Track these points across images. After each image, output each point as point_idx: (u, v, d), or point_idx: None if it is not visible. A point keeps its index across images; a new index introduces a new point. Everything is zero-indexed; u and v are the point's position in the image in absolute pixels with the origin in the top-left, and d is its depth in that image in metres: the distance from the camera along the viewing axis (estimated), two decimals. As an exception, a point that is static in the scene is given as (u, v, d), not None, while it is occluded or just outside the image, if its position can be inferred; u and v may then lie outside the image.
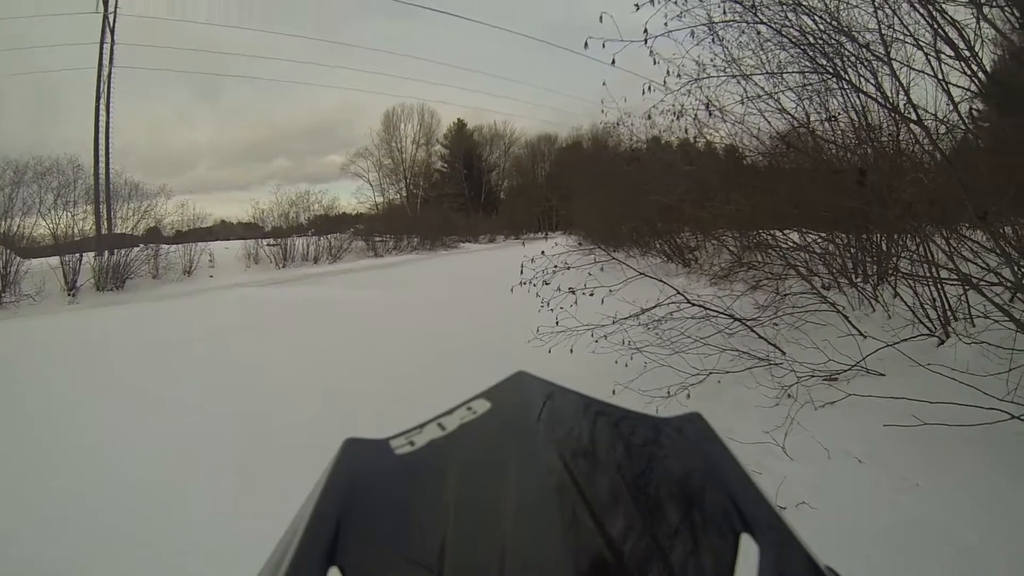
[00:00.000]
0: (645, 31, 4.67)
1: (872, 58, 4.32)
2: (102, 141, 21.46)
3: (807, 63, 4.86)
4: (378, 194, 41.50)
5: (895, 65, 4.19)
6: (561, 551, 0.35)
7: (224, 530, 3.24)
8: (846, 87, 4.90)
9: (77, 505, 3.77)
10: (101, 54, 21.80)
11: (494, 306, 9.47)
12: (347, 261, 25.42)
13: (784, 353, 4.48)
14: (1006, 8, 3.68)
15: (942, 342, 3.99)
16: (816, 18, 4.47)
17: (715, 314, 4.98)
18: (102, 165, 21.03)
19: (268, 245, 24.23)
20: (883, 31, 4.18)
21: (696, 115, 5.85)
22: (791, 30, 4.65)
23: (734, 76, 5.30)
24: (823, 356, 4.13)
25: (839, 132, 5.33)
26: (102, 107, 21.73)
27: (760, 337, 4.76)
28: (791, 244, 5.84)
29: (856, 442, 3.35)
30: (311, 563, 0.36)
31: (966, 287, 3.73)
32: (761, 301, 5.48)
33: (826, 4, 4.46)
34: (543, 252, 5.52)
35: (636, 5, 4.64)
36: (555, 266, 5.48)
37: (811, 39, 4.58)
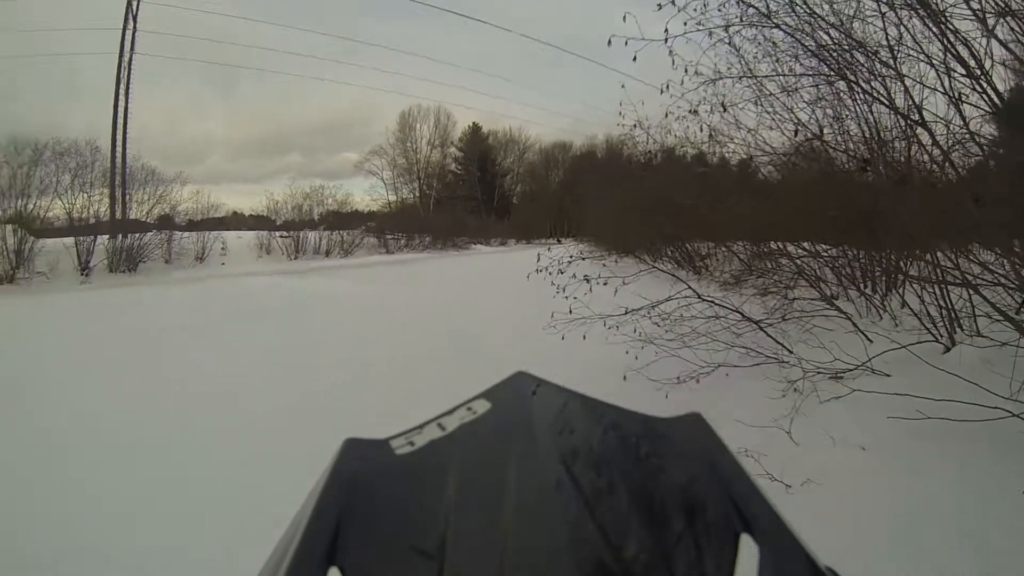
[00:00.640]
0: (666, 30, 4.83)
1: (886, 73, 4.44)
2: (120, 126, 21.70)
3: (821, 73, 5.00)
4: (391, 192, 41.71)
5: (907, 82, 4.30)
6: (561, 551, 0.35)
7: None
8: (859, 98, 5.04)
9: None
10: (123, 39, 22.11)
11: (507, 300, 9.60)
12: (358, 256, 25.48)
13: (791, 352, 4.59)
14: (1014, 25, 3.76)
15: (948, 349, 4.09)
16: (830, 31, 4.61)
17: (724, 312, 5.11)
18: (119, 149, 21.25)
19: (281, 237, 24.32)
20: (894, 46, 4.30)
21: (710, 121, 6.03)
22: (806, 37, 4.78)
23: (749, 78, 5.46)
24: (830, 356, 4.23)
25: (851, 144, 5.47)
26: (121, 92, 21.99)
27: (768, 336, 4.88)
28: (801, 252, 5.97)
29: (860, 432, 3.46)
30: (311, 563, 0.36)
31: (971, 292, 3.84)
32: (770, 305, 5.61)
33: (839, 18, 4.60)
34: (544, 252, 5.72)
35: (659, 4, 4.79)
36: (571, 256, 5.64)
37: (825, 51, 4.71)
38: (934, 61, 4.00)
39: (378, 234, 29.07)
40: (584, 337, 4.98)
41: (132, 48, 22.14)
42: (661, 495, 0.42)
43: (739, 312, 5.07)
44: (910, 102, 4.27)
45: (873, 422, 3.50)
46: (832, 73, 4.85)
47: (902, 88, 4.32)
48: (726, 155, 7.24)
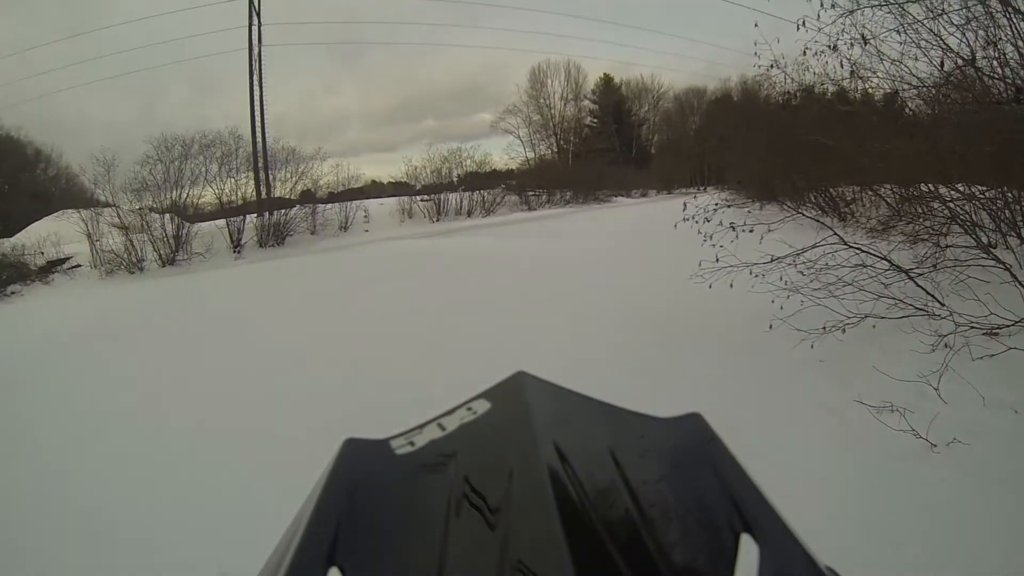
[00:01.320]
0: None
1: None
2: (257, 113, 23.06)
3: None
4: (529, 150, 41.56)
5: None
6: (561, 551, 0.34)
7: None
8: (1015, 16, 4.70)
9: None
10: (250, 35, 23.35)
11: (654, 250, 9.69)
12: (500, 215, 25.76)
13: (943, 304, 4.56)
14: None
15: (1116, 309, 3.95)
16: None
17: (872, 260, 5.07)
18: (259, 135, 22.66)
19: (422, 200, 24.82)
20: None
21: (851, 55, 5.79)
22: None
23: (890, 4, 5.19)
24: (985, 310, 4.18)
25: (1008, 70, 5.10)
26: (255, 83, 23.34)
27: (918, 286, 4.84)
28: (955, 194, 5.73)
29: (1013, 393, 3.48)
30: (311, 563, 0.37)
31: None
32: (920, 254, 5.49)
33: None
34: (689, 201, 5.84)
35: None
36: (715, 204, 5.76)
37: None
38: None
39: (518, 191, 29.09)
40: (731, 285, 5.17)
41: (260, 41, 23.41)
42: (661, 495, 0.43)
43: (887, 260, 5.02)
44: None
45: (1028, 384, 3.49)
46: None
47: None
48: (869, 91, 6.95)
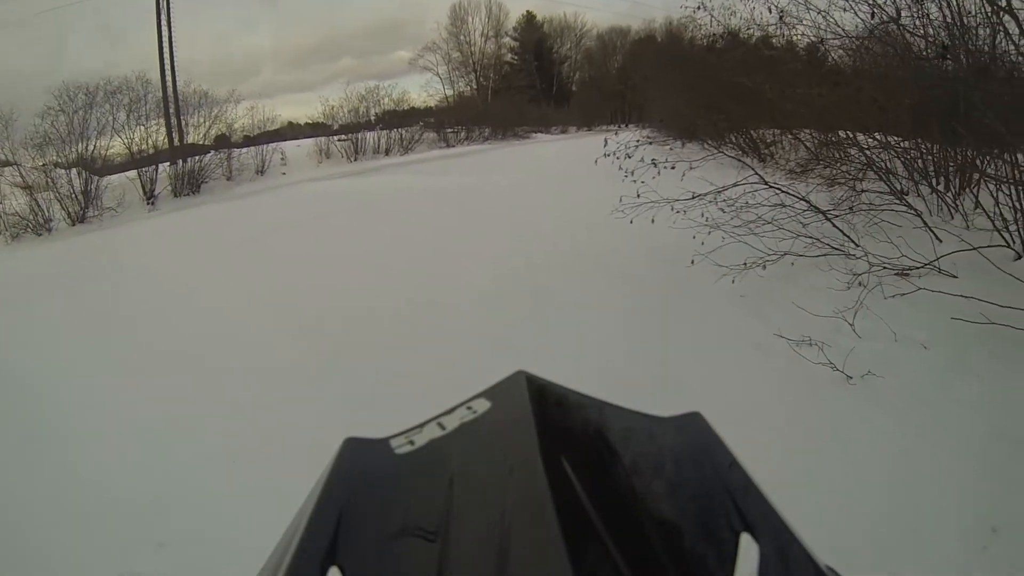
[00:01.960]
0: None
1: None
2: (167, 56, 21.24)
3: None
4: (448, 87, 40.42)
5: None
6: (561, 551, 0.34)
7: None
8: None
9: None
10: None
11: (574, 186, 9.57)
12: (418, 152, 25.01)
13: (858, 245, 4.63)
14: None
15: (1019, 256, 4.10)
16: None
17: (791, 200, 5.10)
18: (168, 78, 20.88)
19: (339, 140, 23.85)
20: None
21: (779, 1, 5.78)
22: None
23: None
24: (897, 252, 4.28)
25: (930, 29, 5.22)
26: (163, 24, 21.39)
27: (835, 227, 4.90)
28: (872, 142, 5.85)
29: (923, 331, 3.59)
30: (311, 563, 0.37)
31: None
32: (837, 196, 5.58)
33: None
34: (610, 138, 5.72)
35: None
36: (637, 141, 5.64)
37: None
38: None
39: (437, 129, 28.37)
40: (652, 221, 5.07)
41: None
42: (661, 494, 0.42)
43: (806, 201, 5.06)
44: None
45: (936, 321, 3.61)
46: None
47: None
48: (794, 39, 6.99)
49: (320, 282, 5.92)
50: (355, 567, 0.38)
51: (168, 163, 17.95)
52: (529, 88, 39.13)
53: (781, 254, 4.61)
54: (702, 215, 5.08)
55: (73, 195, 14.47)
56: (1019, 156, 4.07)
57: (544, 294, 5.08)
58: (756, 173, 5.30)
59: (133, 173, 16.67)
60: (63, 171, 14.89)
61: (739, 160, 5.83)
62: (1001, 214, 4.26)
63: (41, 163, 15.19)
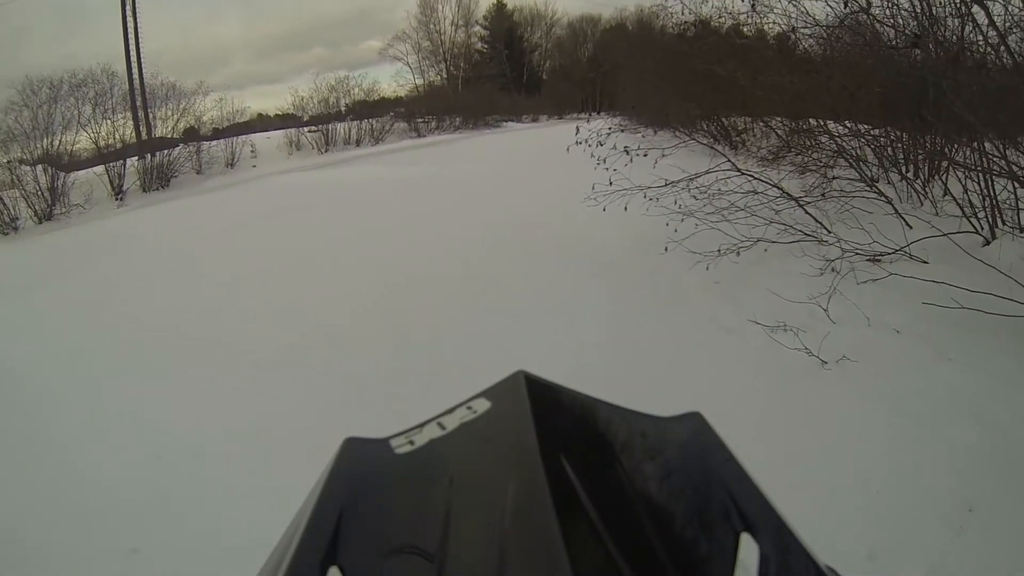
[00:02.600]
0: None
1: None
2: (133, 46, 20.79)
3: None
4: (418, 76, 40.09)
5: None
6: (561, 551, 0.34)
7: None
8: None
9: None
10: None
11: (544, 174, 9.49)
12: (389, 143, 24.79)
13: (830, 231, 4.65)
14: None
15: (987, 242, 4.15)
16: None
17: (763, 187, 5.11)
18: (135, 70, 20.45)
19: (309, 131, 23.56)
20: None
21: None
22: None
23: None
24: (868, 238, 4.31)
25: (900, 18, 5.24)
26: (129, 14, 20.88)
27: (807, 213, 4.92)
28: (843, 130, 5.89)
29: (895, 315, 3.61)
30: (311, 563, 0.37)
31: (1017, 184, 3.84)
32: (809, 183, 5.61)
33: None
34: (582, 125, 5.69)
35: None
36: (608, 129, 5.62)
37: None
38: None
39: (407, 119, 28.19)
40: (626, 208, 5.04)
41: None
42: (661, 494, 0.43)
43: (778, 188, 5.07)
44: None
45: (908, 306, 3.64)
46: None
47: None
48: (765, 27, 7.02)
49: (296, 285, 5.65)
50: (355, 567, 0.37)
51: (136, 157, 17.52)
52: (500, 77, 39.14)
53: (754, 241, 4.60)
54: (675, 202, 5.06)
55: (39, 192, 14.07)
56: (987, 144, 4.10)
57: (515, 284, 4.99)
58: (728, 160, 5.30)
59: (101, 168, 16.20)
60: (28, 168, 14.47)
61: (711, 147, 5.82)
62: (970, 201, 4.31)
63: (6, 160, 14.77)
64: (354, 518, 0.41)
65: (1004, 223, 4.23)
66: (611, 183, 5.11)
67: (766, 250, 4.61)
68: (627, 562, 0.35)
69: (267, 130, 26.03)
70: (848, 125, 5.90)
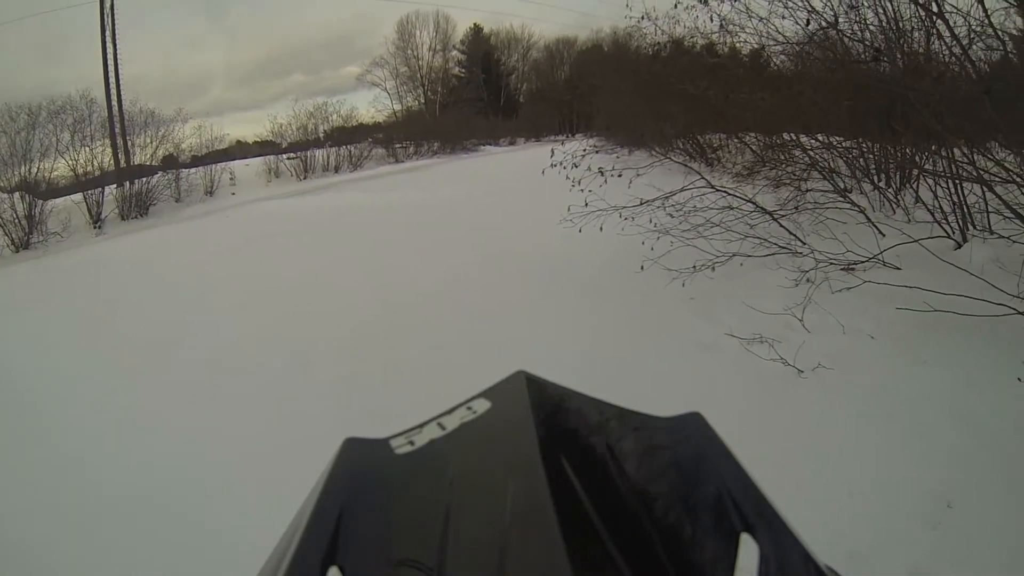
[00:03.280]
0: None
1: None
2: (112, 73, 20.98)
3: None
4: (396, 102, 40.45)
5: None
6: (561, 551, 0.34)
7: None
8: None
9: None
10: None
11: (522, 197, 9.54)
12: (368, 168, 24.98)
13: (804, 243, 4.68)
14: None
15: (959, 246, 4.20)
16: None
17: (738, 203, 5.14)
18: (114, 97, 20.64)
19: (288, 158, 23.68)
20: None
21: (720, 10, 5.90)
22: None
23: None
24: (842, 248, 4.36)
25: (867, 33, 5.36)
26: (108, 40, 21.16)
27: (782, 227, 4.95)
28: (815, 143, 5.96)
29: (869, 322, 3.64)
30: (311, 563, 0.37)
31: (985, 189, 3.88)
32: (783, 197, 5.65)
33: None
34: (557, 148, 5.74)
35: None
36: (584, 150, 5.67)
37: None
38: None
39: (385, 144, 28.44)
40: (601, 228, 5.06)
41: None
42: (661, 494, 0.43)
43: (752, 203, 5.10)
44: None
45: (882, 313, 3.66)
46: None
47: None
48: (737, 45, 7.15)
49: (271, 312, 5.57)
50: (355, 567, 0.37)
51: (115, 185, 17.39)
52: (477, 101, 39.45)
53: (729, 255, 4.63)
54: (650, 221, 5.09)
55: (16, 220, 13.89)
56: (955, 151, 4.16)
57: (492, 304, 4.98)
58: (703, 177, 5.34)
59: (79, 196, 16.07)
60: (5, 195, 14.32)
61: (686, 165, 5.88)
62: (940, 207, 4.38)
63: (-18, 187, 14.46)
64: (354, 518, 0.41)
65: (974, 226, 4.27)
66: (587, 204, 5.14)
67: (741, 264, 4.63)
68: (627, 562, 0.36)
69: (246, 157, 26.01)
70: (820, 138, 5.98)
